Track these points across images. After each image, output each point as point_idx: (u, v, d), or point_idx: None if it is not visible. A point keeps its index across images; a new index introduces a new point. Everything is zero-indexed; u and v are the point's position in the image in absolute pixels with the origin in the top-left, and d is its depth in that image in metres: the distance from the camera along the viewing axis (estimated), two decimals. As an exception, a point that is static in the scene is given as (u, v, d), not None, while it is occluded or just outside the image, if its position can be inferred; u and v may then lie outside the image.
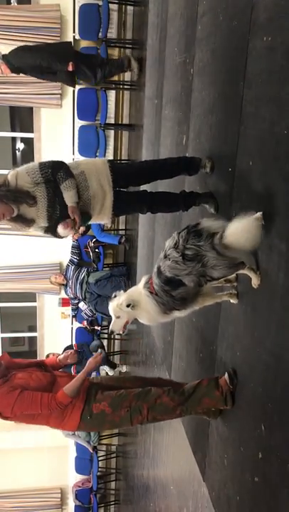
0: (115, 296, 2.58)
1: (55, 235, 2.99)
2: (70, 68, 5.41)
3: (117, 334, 2.56)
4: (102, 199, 2.97)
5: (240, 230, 2.04)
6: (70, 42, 6.23)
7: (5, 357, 2.75)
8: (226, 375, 2.54)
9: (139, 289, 2.50)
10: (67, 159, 3.65)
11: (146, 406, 2.51)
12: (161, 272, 2.35)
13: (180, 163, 3.16)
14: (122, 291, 2.57)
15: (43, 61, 5.32)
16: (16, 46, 6.48)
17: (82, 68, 5.59)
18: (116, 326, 2.54)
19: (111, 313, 2.56)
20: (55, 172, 2.83)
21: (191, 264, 2.21)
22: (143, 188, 3.40)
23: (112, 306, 2.54)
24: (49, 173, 2.83)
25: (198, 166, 3.04)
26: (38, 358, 8.01)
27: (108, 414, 2.53)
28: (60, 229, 2.89)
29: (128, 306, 2.47)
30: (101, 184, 2.95)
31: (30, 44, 5.73)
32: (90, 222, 3.07)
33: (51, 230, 2.98)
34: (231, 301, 2.50)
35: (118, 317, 2.52)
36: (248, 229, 2.00)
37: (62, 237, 3.04)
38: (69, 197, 2.84)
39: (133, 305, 2.47)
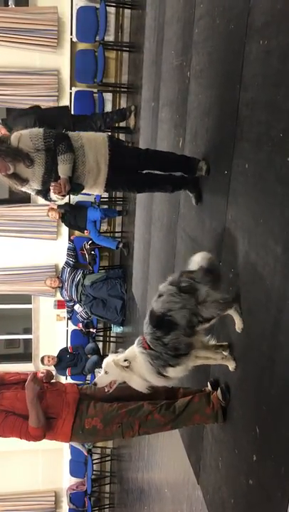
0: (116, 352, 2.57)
1: (46, 198, 3.11)
2: None
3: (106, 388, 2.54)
4: (96, 175, 3.04)
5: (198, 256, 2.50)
6: (67, 106, 6.28)
7: None
8: (219, 390, 2.56)
9: (133, 350, 2.48)
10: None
11: (138, 422, 2.56)
12: (153, 313, 2.36)
13: (179, 160, 3.20)
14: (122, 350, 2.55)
15: (35, 126, 5.22)
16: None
17: (82, 125, 5.57)
18: (101, 380, 2.50)
19: (103, 366, 2.52)
20: (57, 142, 2.92)
21: (185, 297, 2.27)
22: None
23: (107, 361, 2.50)
24: (51, 142, 2.93)
25: (195, 167, 3.05)
26: (33, 366, 7.99)
27: (100, 429, 2.57)
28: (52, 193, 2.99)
29: (125, 361, 2.45)
30: (97, 161, 3.02)
31: (27, 107, 5.50)
32: (82, 193, 3.16)
33: (43, 194, 3.10)
34: (230, 367, 2.47)
35: (106, 373, 2.50)
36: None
37: (51, 201, 3.15)
38: (63, 169, 2.92)
39: (129, 361, 2.45)
